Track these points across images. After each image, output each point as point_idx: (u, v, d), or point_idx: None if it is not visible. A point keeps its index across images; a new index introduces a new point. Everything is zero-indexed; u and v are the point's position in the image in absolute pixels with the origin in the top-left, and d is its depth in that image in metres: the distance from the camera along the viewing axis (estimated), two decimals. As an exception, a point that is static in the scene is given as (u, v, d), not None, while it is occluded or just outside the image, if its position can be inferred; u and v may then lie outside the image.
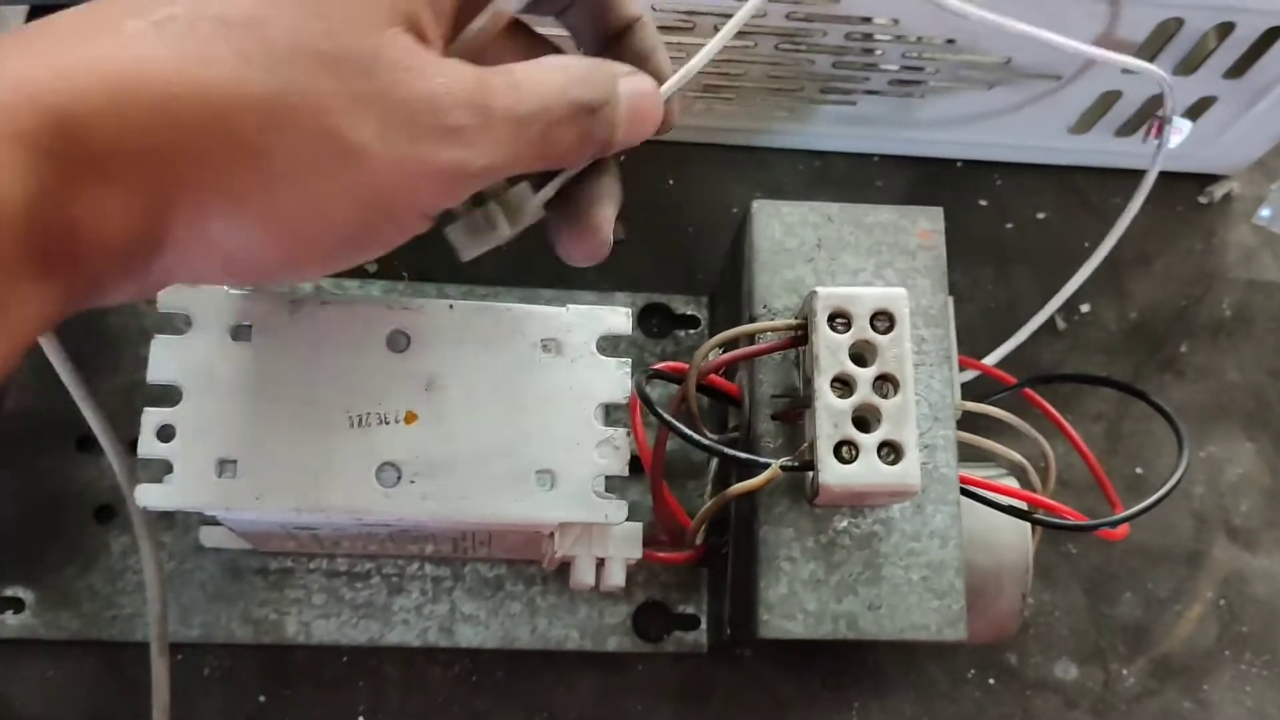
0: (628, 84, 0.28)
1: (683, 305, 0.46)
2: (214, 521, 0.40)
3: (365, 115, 0.24)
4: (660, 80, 0.29)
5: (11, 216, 0.21)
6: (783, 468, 0.33)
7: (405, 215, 0.26)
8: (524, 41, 0.30)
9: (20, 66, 0.22)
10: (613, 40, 0.30)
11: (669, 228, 0.47)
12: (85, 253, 0.23)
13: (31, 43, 0.23)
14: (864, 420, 0.33)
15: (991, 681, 0.43)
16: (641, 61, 0.30)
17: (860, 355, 0.33)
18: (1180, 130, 0.44)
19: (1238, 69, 0.43)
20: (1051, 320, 0.48)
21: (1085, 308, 0.48)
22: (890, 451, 0.33)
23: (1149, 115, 0.46)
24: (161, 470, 0.33)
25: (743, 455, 0.33)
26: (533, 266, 0.46)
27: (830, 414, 0.33)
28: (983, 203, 0.49)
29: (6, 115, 0.21)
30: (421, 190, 0.26)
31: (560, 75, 0.27)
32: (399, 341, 0.35)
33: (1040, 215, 0.49)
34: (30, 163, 0.21)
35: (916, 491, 0.33)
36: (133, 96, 0.22)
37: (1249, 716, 0.44)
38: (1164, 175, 0.50)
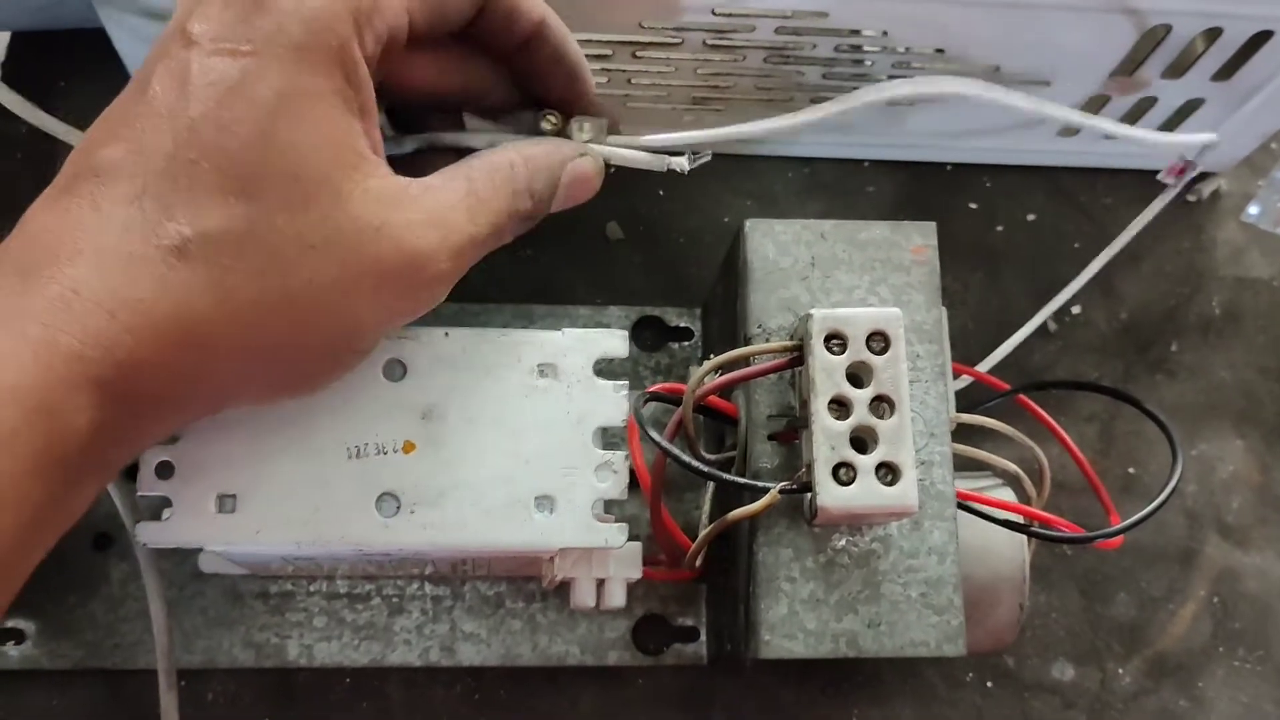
0: (572, 170, 0.33)
1: (676, 317, 0.46)
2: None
3: (361, 297, 0.28)
4: (583, 84, 0.34)
5: (77, 449, 0.25)
6: (781, 491, 0.33)
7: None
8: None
9: (90, 317, 0.25)
10: (521, 47, 0.32)
11: (661, 239, 0.47)
12: (113, 463, 0.28)
13: (84, 285, 0.25)
14: (861, 441, 0.33)
15: (990, 685, 0.44)
16: (554, 64, 0.33)
17: (856, 376, 0.34)
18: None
19: (1226, 72, 0.43)
20: (1043, 322, 0.48)
21: (1076, 309, 0.48)
22: (888, 472, 0.33)
23: (1137, 118, 0.46)
24: (159, 504, 0.34)
25: (742, 480, 0.34)
26: (522, 282, 0.46)
27: (827, 436, 0.33)
28: (973, 206, 0.49)
29: (85, 364, 0.25)
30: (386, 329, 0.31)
31: (508, 188, 0.31)
32: (395, 371, 0.35)
33: (1030, 217, 0.49)
34: (99, 405, 0.25)
35: (914, 511, 0.33)
36: (177, 342, 0.26)
37: (1243, 712, 0.44)
38: (1152, 174, 0.50)
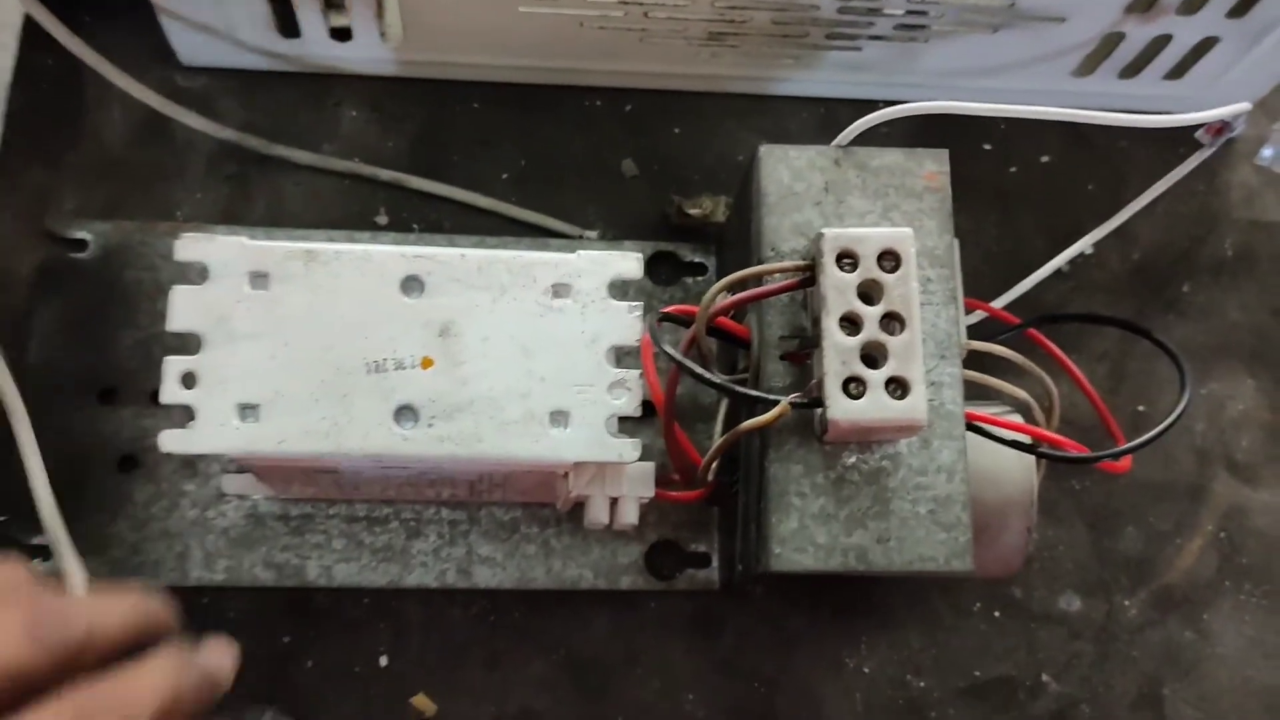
0: None
1: (690, 253, 0.46)
2: (236, 470, 0.41)
3: None
4: None
5: None
6: (792, 404, 0.33)
7: None
8: None
9: None
10: None
11: (675, 176, 0.48)
12: None
13: None
14: (871, 357, 0.34)
15: (997, 614, 0.44)
16: None
17: (867, 294, 0.34)
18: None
19: (1240, 9, 0.43)
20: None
21: (1088, 249, 0.49)
22: (897, 387, 0.33)
23: (1151, 57, 0.46)
24: (183, 414, 0.34)
25: (754, 393, 0.34)
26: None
27: (838, 351, 0.33)
28: (987, 147, 0.50)
29: None
30: None
31: None
32: (413, 288, 0.35)
33: (1044, 159, 0.50)
34: None
35: (923, 426, 0.33)
36: None
37: (1248, 645, 0.45)
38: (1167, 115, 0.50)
